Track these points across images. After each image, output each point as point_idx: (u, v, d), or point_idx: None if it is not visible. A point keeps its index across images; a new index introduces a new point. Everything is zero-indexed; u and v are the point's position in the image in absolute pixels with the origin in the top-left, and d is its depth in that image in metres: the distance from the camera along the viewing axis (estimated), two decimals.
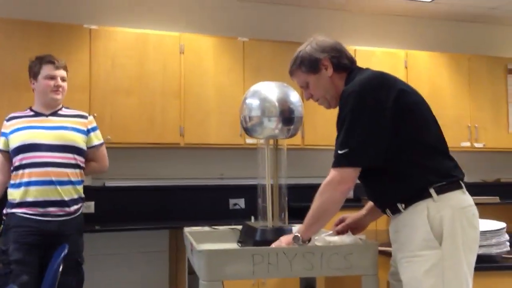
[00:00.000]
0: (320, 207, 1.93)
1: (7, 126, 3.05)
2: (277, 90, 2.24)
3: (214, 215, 3.88)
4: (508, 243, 2.25)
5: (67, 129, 3.05)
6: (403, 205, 1.89)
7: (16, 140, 2.97)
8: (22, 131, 2.99)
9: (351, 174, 1.90)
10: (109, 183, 4.55)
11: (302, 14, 5.24)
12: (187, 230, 2.53)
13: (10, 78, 4.02)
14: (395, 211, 1.93)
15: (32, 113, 3.09)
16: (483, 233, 2.08)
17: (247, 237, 2.22)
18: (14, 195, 2.94)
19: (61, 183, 2.94)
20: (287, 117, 2.20)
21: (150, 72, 4.39)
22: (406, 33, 5.61)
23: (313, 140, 4.76)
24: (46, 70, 3.05)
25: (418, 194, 1.86)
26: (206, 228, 2.69)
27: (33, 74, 3.08)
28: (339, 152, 1.90)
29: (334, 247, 1.94)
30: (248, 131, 2.28)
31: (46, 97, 3.06)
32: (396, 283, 2.00)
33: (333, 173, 1.91)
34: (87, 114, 3.23)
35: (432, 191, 1.84)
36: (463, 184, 1.92)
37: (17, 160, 2.96)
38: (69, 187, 2.97)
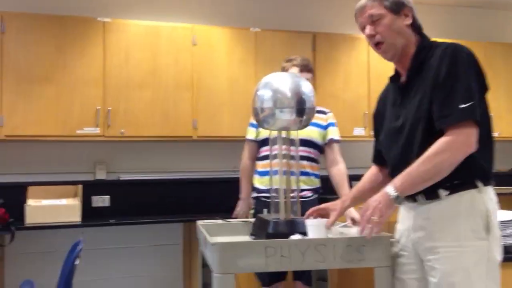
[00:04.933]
0: (434, 168, 1.74)
1: None
2: (289, 81, 2.21)
3: (228, 208, 3.89)
4: None
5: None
6: (448, 192, 1.79)
7: (264, 133, 3.15)
8: None
9: (475, 133, 1.74)
10: (124, 177, 4.57)
11: (314, 3, 5.19)
12: (200, 223, 2.55)
13: (24, 72, 4.05)
14: (433, 197, 1.81)
15: None
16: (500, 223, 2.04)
17: (260, 230, 2.21)
18: (259, 182, 3.25)
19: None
20: (299, 108, 2.18)
21: (163, 65, 4.38)
22: (421, 20, 5.51)
23: None
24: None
25: (466, 182, 1.78)
26: (219, 221, 2.70)
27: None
28: (463, 105, 1.72)
29: (347, 239, 1.91)
30: (260, 122, 2.27)
31: None
32: (409, 281, 1.89)
33: (454, 131, 1.73)
34: (327, 110, 3.36)
35: (479, 182, 1.78)
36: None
37: (263, 151, 3.24)
38: (304, 178, 3.16)
